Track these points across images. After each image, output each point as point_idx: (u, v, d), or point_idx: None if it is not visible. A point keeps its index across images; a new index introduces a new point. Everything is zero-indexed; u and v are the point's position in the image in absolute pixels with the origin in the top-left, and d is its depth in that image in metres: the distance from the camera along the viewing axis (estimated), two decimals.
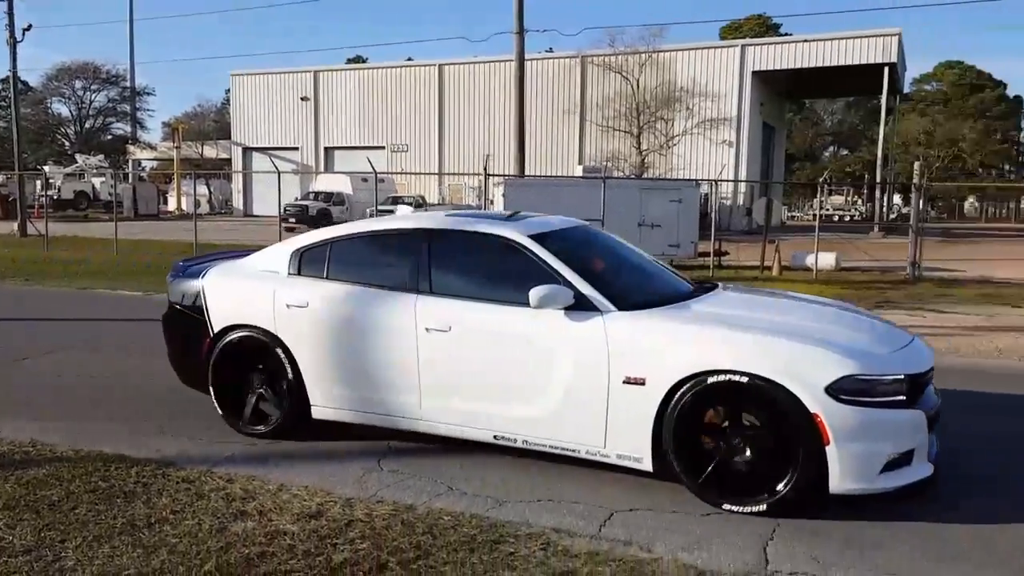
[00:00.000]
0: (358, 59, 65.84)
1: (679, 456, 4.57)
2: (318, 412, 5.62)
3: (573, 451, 4.91)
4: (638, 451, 4.70)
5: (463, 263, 5.42)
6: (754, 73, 42.52)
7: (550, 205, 20.05)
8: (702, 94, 40.99)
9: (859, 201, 61.81)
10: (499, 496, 4.69)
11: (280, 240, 7.57)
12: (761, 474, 4.43)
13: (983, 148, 66.27)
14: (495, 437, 5.11)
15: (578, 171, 34.53)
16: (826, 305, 5.78)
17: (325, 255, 5.73)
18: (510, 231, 5.29)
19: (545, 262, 5.07)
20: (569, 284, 4.91)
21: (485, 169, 18.94)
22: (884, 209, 49.07)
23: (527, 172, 33.59)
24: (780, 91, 50.37)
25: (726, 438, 4.53)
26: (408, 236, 5.57)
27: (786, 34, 64.85)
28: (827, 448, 4.24)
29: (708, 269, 19.52)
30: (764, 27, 71.88)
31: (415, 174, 41.61)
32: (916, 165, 19.07)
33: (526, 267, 5.08)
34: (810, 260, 19.14)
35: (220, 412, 5.86)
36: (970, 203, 68.21)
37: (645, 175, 39.08)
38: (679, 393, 4.53)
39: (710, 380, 4.47)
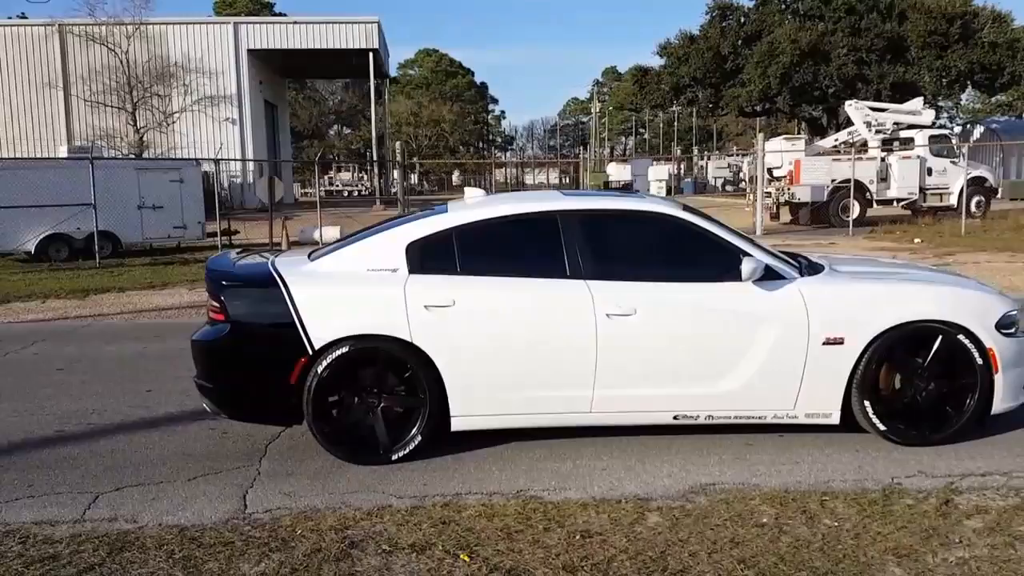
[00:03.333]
0: None
1: (875, 403, 5.08)
2: (460, 423, 5.09)
3: (760, 417, 5.15)
4: (827, 408, 5.12)
5: (626, 244, 5.35)
6: (250, 51, 42.69)
7: (31, 192, 18.04)
8: (198, 70, 40.08)
9: (365, 176, 66.12)
10: None
11: None
12: (939, 407, 5.12)
13: (460, 127, 75.92)
14: (675, 417, 5.12)
15: (64, 151, 31.05)
16: (897, 263, 7.28)
17: (451, 247, 5.16)
18: (666, 208, 5.41)
19: (721, 237, 5.21)
20: (753, 256, 5.08)
21: None
22: (386, 183, 53.39)
23: (4, 154, 29.22)
24: (278, 70, 51.29)
25: (913, 381, 5.12)
26: (553, 220, 5.23)
27: (280, 14, 66.01)
28: (995, 376, 5.07)
29: (218, 249, 19.47)
30: (259, 5, 72.04)
31: None
32: (398, 145, 21.42)
33: (697, 243, 5.20)
34: (316, 234, 20.29)
35: (324, 445, 5.07)
36: (457, 175, 77.62)
37: (145, 154, 36.99)
38: (873, 348, 5.00)
39: (905, 331, 5.01)
